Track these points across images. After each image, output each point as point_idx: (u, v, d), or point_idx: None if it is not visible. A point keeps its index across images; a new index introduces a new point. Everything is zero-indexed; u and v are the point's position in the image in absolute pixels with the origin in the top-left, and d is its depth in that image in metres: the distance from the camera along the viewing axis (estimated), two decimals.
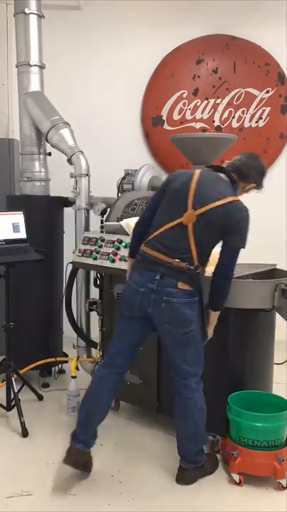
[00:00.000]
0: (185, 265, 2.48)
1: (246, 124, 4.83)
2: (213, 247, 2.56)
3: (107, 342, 3.42)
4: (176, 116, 4.84)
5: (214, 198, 2.46)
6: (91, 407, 2.71)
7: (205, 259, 2.56)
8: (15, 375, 3.42)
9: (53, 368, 4.04)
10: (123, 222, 3.10)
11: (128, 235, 3.05)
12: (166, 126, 4.84)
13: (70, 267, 3.61)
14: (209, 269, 3.12)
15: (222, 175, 2.59)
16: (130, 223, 3.06)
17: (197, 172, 2.57)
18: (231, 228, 2.48)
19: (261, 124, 4.82)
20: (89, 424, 2.70)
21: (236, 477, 2.68)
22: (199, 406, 2.64)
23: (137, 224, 2.72)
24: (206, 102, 4.81)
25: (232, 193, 2.55)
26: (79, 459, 2.67)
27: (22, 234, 3.48)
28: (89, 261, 3.27)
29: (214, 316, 2.62)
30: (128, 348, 2.71)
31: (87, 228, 3.69)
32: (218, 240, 2.54)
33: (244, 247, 2.54)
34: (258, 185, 2.67)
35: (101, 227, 3.50)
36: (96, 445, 2.93)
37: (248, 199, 4.91)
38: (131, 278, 2.62)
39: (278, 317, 3.03)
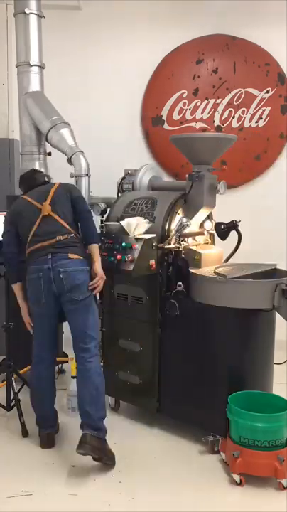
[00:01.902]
0: (67, 236, 2.86)
1: (246, 124, 4.83)
2: (72, 215, 2.97)
3: (107, 342, 3.43)
4: (176, 116, 4.84)
5: (49, 189, 3.01)
6: (45, 403, 3.07)
7: (75, 227, 2.96)
8: (15, 375, 3.42)
9: None
10: (124, 222, 3.10)
11: (129, 234, 3.06)
12: (166, 126, 4.84)
13: None
14: (207, 270, 3.13)
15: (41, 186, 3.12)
16: (131, 223, 3.06)
17: (27, 197, 3.03)
18: (75, 198, 3.01)
19: (261, 124, 4.82)
20: (50, 412, 3.10)
21: (236, 477, 2.68)
22: (98, 370, 2.88)
23: (7, 253, 3.03)
24: (206, 102, 4.81)
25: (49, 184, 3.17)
26: (53, 438, 3.07)
27: None
28: None
29: (95, 249, 2.96)
30: (49, 340, 3.01)
31: None
32: (72, 210, 2.97)
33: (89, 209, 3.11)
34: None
35: (101, 227, 3.49)
36: None
37: (248, 199, 4.94)
38: (29, 273, 2.88)
39: (278, 317, 3.03)
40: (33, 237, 2.89)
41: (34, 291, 2.88)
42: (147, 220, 3.13)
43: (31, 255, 2.89)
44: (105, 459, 2.78)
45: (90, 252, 2.94)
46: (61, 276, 2.78)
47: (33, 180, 3.18)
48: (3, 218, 3.12)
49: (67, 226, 2.90)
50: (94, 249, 2.95)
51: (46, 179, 3.23)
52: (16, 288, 3.05)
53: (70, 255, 2.82)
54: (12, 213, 3.05)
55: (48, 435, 3.06)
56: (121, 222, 3.15)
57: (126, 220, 3.12)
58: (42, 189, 3.07)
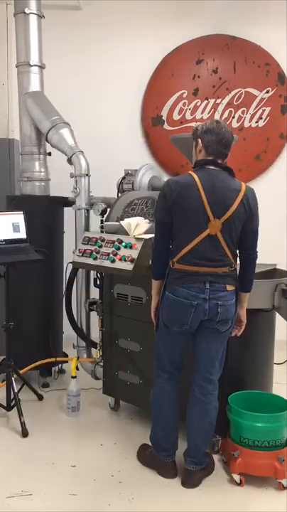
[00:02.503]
0: (227, 269, 2.53)
1: (246, 124, 4.83)
2: (238, 238, 2.55)
3: (107, 342, 3.42)
4: (176, 116, 4.84)
5: (231, 199, 2.46)
6: (170, 421, 2.75)
7: (236, 253, 2.59)
8: (15, 375, 3.42)
9: (53, 368, 4.04)
10: (124, 222, 3.10)
11: (128, 234, 3.05)
12: (166, 126, 4.84)
13: (70, 267, 3.61)
14: None
15: (213, 167, 2.52)
16: (131, 223, 3.06)
17: (196, 178, 2.47)
18: (251, 215, 2.52)
19: (261, 124, 4.82)
20: (173, 436, 2.77)
21: (236, 477, 2.68)
22: (216, 404, 2.69)
23: (158, 244, 2.63)
24: (206, 102, 4.81)
25: (236, 181, 2.52)
26: (174, 467, 2.77)
27: (22, 234, 3.48)
28: (89, 261, 3.27)
29: (246, 297, 2.69)
30: (181, 359, 2.73)
31: (87, 228, 3.69)
32: (240, 229, 2.53)
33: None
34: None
35: (101, 227, 3.49)
36: (97, 445, 2.94)
37: None
38: (175, 293, 2.54)
39: (278, 317, 3.03)
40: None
41: (178, 314, 2.58)
42: (147, 220, 3.13)
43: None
44: (207, 475, 2.76)
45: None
46: (219, 310, 2.53)
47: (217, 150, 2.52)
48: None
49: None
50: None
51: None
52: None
53: (228, 287, 2.54)
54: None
55: (173, 463, 2.77)
56: (121, 222, 3.15)
57: (126, 220, 3.12)
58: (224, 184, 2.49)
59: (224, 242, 2.48)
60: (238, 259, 2.62)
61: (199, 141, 2.54)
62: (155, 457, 2.79)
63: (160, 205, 2.56)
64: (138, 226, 3.04)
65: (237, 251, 2.59)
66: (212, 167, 2.52)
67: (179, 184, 2.50)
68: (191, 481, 2.69)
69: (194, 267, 2.50)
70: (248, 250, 2.58)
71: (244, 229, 2.52)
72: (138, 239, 3.01)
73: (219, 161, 2.53)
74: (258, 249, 2.62)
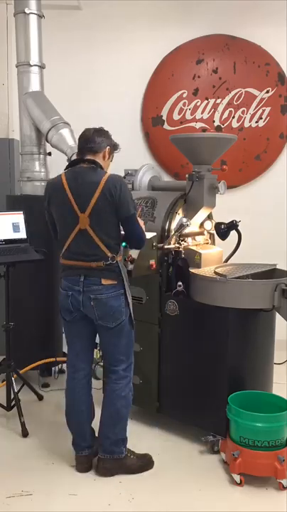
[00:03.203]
0: (102, 263, 2.59)
1: (246, 124, 4.83)
2: (115, 229, 2.61)
3: None
4: (176, 116, 4.84)
5: (91, 191, 2.53)
6: (79, 417, 2.81)
7: (115, 244, 2.63)
8: (15, 375, 3.42)
9: (53, 368, 4.04)
10: None
11: None
12: (166, 126, 4.84)
13: None
14: (207, 270, 3.12)
15: (83, 165, 2.63)
16: None
17: (63, 176, 2.63)
18: (118, 202, 2.54)
19: (261, 124, 4.82)
20: (84, 430, 2.81)
21: (236, 477, 2.68)
22: (122, 393, 2.73)
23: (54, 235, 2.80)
24: (206, 102, 4.81)
25: (98, 174, 2.58)
26: (90, 462, 2.81)
27: (22, 234, 3.48)
28: None
29: None
30: (84, 349, 2.80)
31: None
32: (115, 220, 2.59)
33: (135, 212, 2.64)
34: (113, 146, 2.73)
35: None
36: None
37: (248, 199, 4.93)
38: (61, 285, 2.72)
39: (278, 317, 3.03)
40: None
41: (62, 303, 2.76)
42: (142, 221, 3.14)
43: None
44: (124, 472, 2.77)
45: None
46: (92, 303, 2.63)
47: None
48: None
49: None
50: None
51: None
52: None
53: (103, 281, 2.63)
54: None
55: (85, 457, 2.83)
56: None
57: None
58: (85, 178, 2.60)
59: (95, 236, 2.56)
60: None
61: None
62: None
63: (45, 201, 2.72)
64: None
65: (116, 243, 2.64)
66: (79, 165, 2.64)
67: (50, 185, 2.71)
68: (100, 468, 2.75)
69: (71, 261, 2.65)
70: (129, 238, 2.67)
71: (119, 218, 2.58)
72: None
73: (89, 157, 2.63)
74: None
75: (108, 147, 2.68)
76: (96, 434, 2.81)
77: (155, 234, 3.08)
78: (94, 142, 2.63)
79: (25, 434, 3.18)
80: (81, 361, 2.79)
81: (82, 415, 2.80)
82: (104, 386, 2.82)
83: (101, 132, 2.68)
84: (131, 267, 2.95)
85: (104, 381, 2.93)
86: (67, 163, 2.73)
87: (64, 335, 2.88)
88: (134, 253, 2.94)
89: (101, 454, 2.76)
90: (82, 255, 2.60)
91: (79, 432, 2.81)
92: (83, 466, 2.79)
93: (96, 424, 2.82)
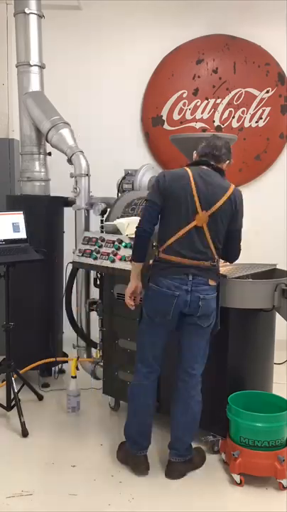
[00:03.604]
0: (209, 264, 2.61)
1: (246, 124, 4.83)
2: (223, 236, 2.67)
3: (107, 342, 3.42)
4: (176, 116, 4.84)
5: (220, 194, 2.59)
6: (145, 416, 2.80)
7: (219, 249, 2.68)
8: (15, 375, 3.42)
9: (53, 368, 4.04)
10: (117, 222, 3.11)
11: (127, 235, 3.05)
12: (166, 126, 4.84)
13: (70, 267, 3.61)
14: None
15: (206, 167, 2.67)
16: (123, 222, 3.07)
17: (189, 172, 2.63)
18: (236, 214, 2.65)
19: (261, 124, 4.82)
20: (147, 431, 2.80)
21: (236, 477, 2.68)
22: (199, 398, 2.75)
23: (143, 229, 2.65)
24: (206, 102, 4.81)
25: (226, 181, 2.68)
26: (146, 461, 2.79)
27: (22, 234, 3.48)
28: (89, 261, 3.27)
29: None
30: (162, 353, 2.77)
31: (87, 228, 3.69)
32: (226, 228, 2.66)
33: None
34: (230, 162, 2.78)
35: (101, 227, 3.49)
36: (97, 445, 2.94)
37: (248, 199, 4.92)
38: (159, 284, 2.61)
39: (278, 317, 3.03)
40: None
41: (161, 304, 2.64)
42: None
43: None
44: (192, 470, 2.81)
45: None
46: (200, 303, 2.60)
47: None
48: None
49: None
50: None
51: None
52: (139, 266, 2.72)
53: (210, 281, 2.63)
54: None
55: (144, 457, 2.81)
56: (115, 221, 3.16)
57: (119, 219, 3.13)
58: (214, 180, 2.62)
59: (209, 236, 2.59)
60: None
61: (195, 152, 2.78)
62: (128, 451, 2.82)
63: (152, 190, 2.67)
64: (130, 225, 3.04)
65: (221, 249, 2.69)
66: (204, 167, 2.67)
67: (172, 174, 2.67)
68: (173, 472, 2.76)
69: (178, 258, 2.59)
70: (231, 249, 2.74)
71: (229, 228, 2.66)
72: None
73: (212, 162, 2.67)
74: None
75: (227, 161, 2.72)
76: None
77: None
78: (220, 152, 2.67)
79: (25, 434, 3.18)
80: (157, 363, 2.77)
81: (150, 415, 2.80)
82: (178, 391, 2.75)
83: (227, 146, 2.73)
84: (130, 266, 2.94)
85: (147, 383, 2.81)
86: (190, 162, 2.76)
87: (139, 334, 2.77)
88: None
89: (175, 458, 2.76)
90: (193, 252, 2.58)
91: (144, 432, 2.79)
92: (144, 466, 2.77)
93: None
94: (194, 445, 2.89)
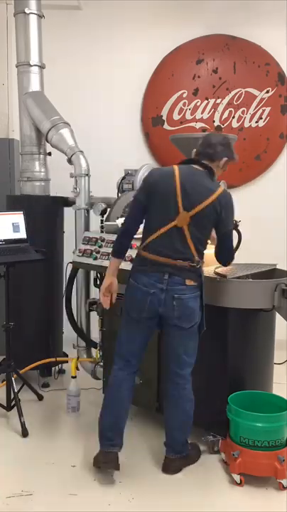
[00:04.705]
0: (187, 264, 2.57)
1: (246, 124, 4.83)
2: (208, 237, 2.68)
3: (107, 342, 3.42)
4: (176, 116, 4.84)
5: (203, 196, 2.54)
6: (118, 409, 2.75)
7: (203, 250, 2.65)
8: (15, 375, 3.42)
9: (53, 368, 4.04)
10: (117, 222, 3.10)
11: None
12: (166, 126, 4.84)
13: (70, 267, 3.61)
14: (207, 270, 3.12)
15: (196, 166, 2.64)
16: (122, 222, 3.06)
17: (176, 170, 2.59)
18: (222, 218, 2.59)
19: (261, 124, 4.82)
20: (118, 425, 2.75)
21: (236, 477, 2.68)
22: (190, 396, 2.75)
23: (126, 227, 2.70)
24: (206, 102, 4.81)
25: (214, 183, 2.63)
26: (116, 460, 2.72)
27: (22, 234, 3.48)
28: (89, 261, 3.27)
29: None
30: (140, 349, 2.77)
31: (87, 228, 3.69)
32: (211, 230, 2.65)
33: (232, 227, 2.71)
34: (230, 158, 2.69)
35: (101, 227, 3.49)
36: (97, 445, 2.93)
37: (248, 199, 4.93)
38: (137, 280, 2.63)
39: (278, 317, 3.03)
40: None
41: (137, 300, 2.65)
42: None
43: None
44: (189, 464, 2.85)
45: None
46: (174, 303, 2.59)
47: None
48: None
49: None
50: None
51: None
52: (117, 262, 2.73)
53: (187, 281, 2.60)
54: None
55: (114, 455, 2.73)
56: (117, 221, 3.16)
57: (119, 219, 3.13)
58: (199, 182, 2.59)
59: (189, 237, 2.55)
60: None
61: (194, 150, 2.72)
62: (100, 448, 2.74)
63: (140, 187, 2.69)
64: None
65: (204, 250, 2.66)
66: (195, 166, 2.64)
67: (160, 171, 2.69)
68: (170, 467, 2.79)
69: (155, 256, 2.58)
70: (225, 255, 2.74)
71: (217, 231, 2.65)
72: (137, 239, 3.01)
73: (205, 161, 2.63)
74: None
75: (226, 158, 2.65)
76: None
77: None
78: (214, 150, 2.62)
79: (25, 434, 3.18)
80: (134, 358, 2.75)
81: (124, 411, 2.77)
82: (168, 391, 2.77)
83: (224, 142, 2.67)
84: (130, 266, 2.94)
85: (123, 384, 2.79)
86: (182, 160, 2.71)
87: (119, 328, 2.77)
88: (134, 253, 2.94)
89: (172, 455, 2.79)
90: (170, 251, 2.56)
91: (117, 428, 2.73)
92: (113, 463, 2.70)
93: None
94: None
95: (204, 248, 2.66)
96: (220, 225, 2.61)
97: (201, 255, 2.63)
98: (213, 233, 2.71)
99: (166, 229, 2.56)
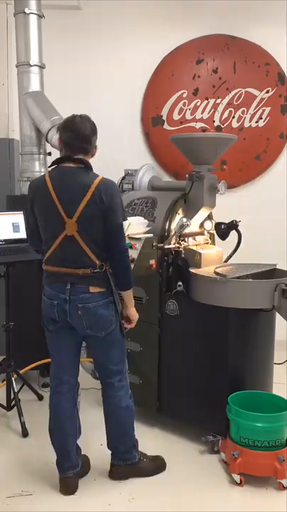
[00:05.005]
0: (89, 271, 2.43)
1: (246, 124, 4.83)
2: (103, 235, 2.44)
3: None
4: (176, 116, 4.84)
5: (81, 195, 2.35)
6: (61, 434, 2.63)
7: (104, 252, 2.45)
8: (15, 375, 3.42)
9: None
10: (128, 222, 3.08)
11: (128, 235, 3.06)
12: (166, 126, 4.84)
13: None
14: (207, 270, 3.12)
15: (72, 164, 2.44)
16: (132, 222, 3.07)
17: (46, 176, 2.45)
18: (109, 209, 2.38)
19: (261, 124, 4.82)
20: (66, 449, 2.63)
21: (236, 477, 2.68)
22: (123, 404, 2.65)
23: (33, 246, 2.72)
24: (206, 102, 4.81)
25: (90, 175, 2.42)
26: (75, 484, 2.64)
27: (22, 234, 3.48)
28: None
29: (127, 296, 2.58)
30: (70, 363, 2.64)
31: None
32: (102, 226, 2.42)
33: (124, 220, 2.48)
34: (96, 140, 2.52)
35: None
36: (97, 445, 2.93)
37: (248, 199, 4.93)
38: (45, 293, 2.56)
39: (278, 317, 3.03)
40: None
41: (47, 313, 2.61)
42: (146, 221, 3.13)
43: None
44: (138, 476, 2.74)
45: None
46: (79, 313, 2.48)
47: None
48: None
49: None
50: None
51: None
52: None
53: (91, 288, 2.47)
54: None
55: (72, 479, 2.63)
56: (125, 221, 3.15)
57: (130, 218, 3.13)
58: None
59: (83, 243, 2.39)
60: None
61: (58, 139, 2.51)
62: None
63: (27, 206, 2.54)
64: (131, 226, 3.04)
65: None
66: (67, 164, 2.45)
67: (34, 184, 2.51)
68: (113, 474, 2.73)
69: (55, 268, 2.47)
70: (111, 249, 2.44)
71: (105, 226, 2.40)
72: (137, 239, 3.01)
73: (81, 156, 2.44)
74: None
75: (96, 145, 2.50)
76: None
77: (152, 235, 3.08)
78: (89, 142, 2.45)
79: (25, 434, 3.18)
80: (65, 374, 2.61)
81: (66, 432, 2.62)
82: (103, 396, 2.71)
83: (93, 128, 2.48)
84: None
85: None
86: (52, 161, 2.50)
87: (49, 348, 2.69)
88: (134, 253, 2.94)
89: (115, 461, 2.73)
90: (68, 262, 2.43)
91: (62, 451, 2.61)
92: (67, 488, 2.60)
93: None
94: (157, 453, 2.87)
95: (105, 246, 2.44)
96: (108, 218, 2.38)
97: (103, 257, 2.44)
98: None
99: (59, 240, 2.41)
